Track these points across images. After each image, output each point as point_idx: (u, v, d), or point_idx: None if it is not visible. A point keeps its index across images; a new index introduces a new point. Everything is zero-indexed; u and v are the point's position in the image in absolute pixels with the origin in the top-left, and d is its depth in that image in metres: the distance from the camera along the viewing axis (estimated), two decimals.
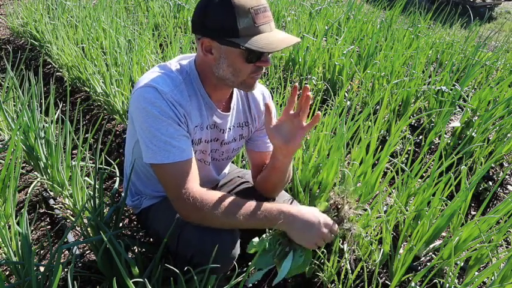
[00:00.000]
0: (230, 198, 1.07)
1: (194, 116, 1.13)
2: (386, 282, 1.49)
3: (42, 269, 1.35)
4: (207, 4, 1.00)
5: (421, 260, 1.58)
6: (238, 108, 1.26)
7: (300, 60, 2.94)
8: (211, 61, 1.06)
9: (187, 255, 1.11)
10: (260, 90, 1.29)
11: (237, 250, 1.12)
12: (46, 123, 1.74)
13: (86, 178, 1.64)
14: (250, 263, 1.21)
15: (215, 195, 1.07)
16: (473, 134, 2.18)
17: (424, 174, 2.07)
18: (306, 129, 1.11)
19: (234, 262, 1.13)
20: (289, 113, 1.11)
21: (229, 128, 1.24)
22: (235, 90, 1.24)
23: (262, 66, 1.06)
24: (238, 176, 1.46)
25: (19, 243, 1.21)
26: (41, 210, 1.76)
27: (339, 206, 1.11)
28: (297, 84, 1.09)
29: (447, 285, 1.34)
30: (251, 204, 1.07)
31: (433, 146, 2.36)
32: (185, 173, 1.06)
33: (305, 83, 2.86)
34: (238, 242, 1.14)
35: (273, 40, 1.01)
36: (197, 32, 1.05)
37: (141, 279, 1.03)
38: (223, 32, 1.00)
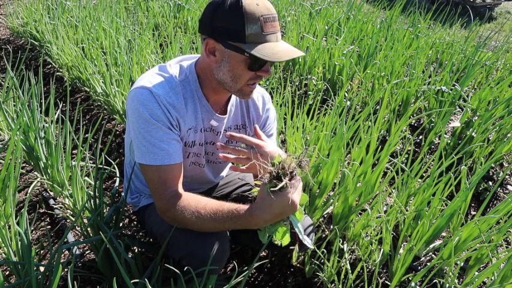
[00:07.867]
0: (202, 205, 1.04)
1: (188, 119, 1.13)
2: (386, 282, 1.49)
3: (42, 269, 1.35)
4: (218, 6, 0.99)
5: (421, 260, 1.58)
6: (236, 111, 1.25)
7: (300, 60, 2.94)
8: (213, 63, 1.06)
9: (175, 257, 1.12)
10: (260, 94, 1.29)
11: (226, 253, 1.12)
12: (46, 123, 1.74)
13: (86, 178, 1.64)
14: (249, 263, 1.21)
15: (190, 202, 1.05)
16: (473, 134, 2.18)
17: (424, 174, 2.07)
18: None
19: (234, 263, 1.13)
20: None
21: (225, 130, 1.24)
22: None
23: (262, 76, 1.06)
24: (239, 178, 1.46)
25: (19, 243, 1.21)
26: (41, 210, 1.76)
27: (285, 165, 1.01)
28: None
29: (447, 285, 1.34)
30: (221, 208, 1.02)
31: (433, 146, 2.36)
32: (169, 177, 1.07)
33: (305, 83, 2.86)
34: (228, 244, 1.14)
35: (279, 50, 1.01)
36: (204, 32, 1.04)
37: (141, 280, 1.03)
38: (229, 35, 0.99)
